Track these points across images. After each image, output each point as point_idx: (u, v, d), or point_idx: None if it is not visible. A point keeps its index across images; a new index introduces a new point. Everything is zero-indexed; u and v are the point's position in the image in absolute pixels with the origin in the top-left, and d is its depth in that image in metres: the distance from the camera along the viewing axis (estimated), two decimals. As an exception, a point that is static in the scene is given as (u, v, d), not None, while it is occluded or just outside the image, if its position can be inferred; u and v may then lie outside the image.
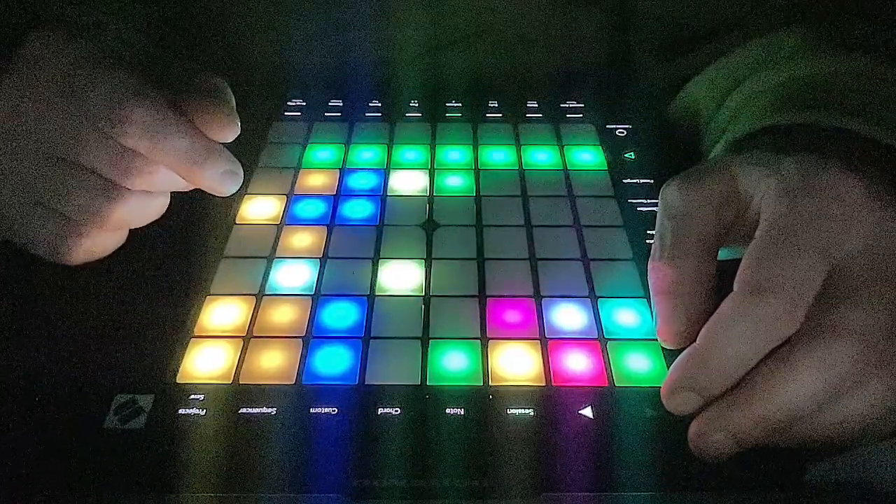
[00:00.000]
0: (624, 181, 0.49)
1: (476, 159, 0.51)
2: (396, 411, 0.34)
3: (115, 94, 0.38)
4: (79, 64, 0.38)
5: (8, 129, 0.39)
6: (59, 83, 0.38)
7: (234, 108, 0.41)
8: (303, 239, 0.44)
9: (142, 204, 0.40)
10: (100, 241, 0.41)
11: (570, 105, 0.56)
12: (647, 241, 0.43)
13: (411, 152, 0.52)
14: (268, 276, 0.42)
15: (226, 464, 0.32)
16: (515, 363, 0.37)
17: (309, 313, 0.39)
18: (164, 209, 0.42)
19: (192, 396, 0.35)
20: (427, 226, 0.45)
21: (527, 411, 0.34)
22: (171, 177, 0.40)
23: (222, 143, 0.41)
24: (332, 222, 0.46)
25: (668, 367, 0.36)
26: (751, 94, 0.48)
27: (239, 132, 0.41)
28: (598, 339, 0.38)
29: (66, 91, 0.38)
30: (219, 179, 0.41)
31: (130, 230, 0.42)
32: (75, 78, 0.38)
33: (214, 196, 0.42)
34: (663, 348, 0.37)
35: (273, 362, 0.37)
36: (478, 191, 0.48)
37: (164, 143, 0.38)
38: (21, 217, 0.39)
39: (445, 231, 0.45)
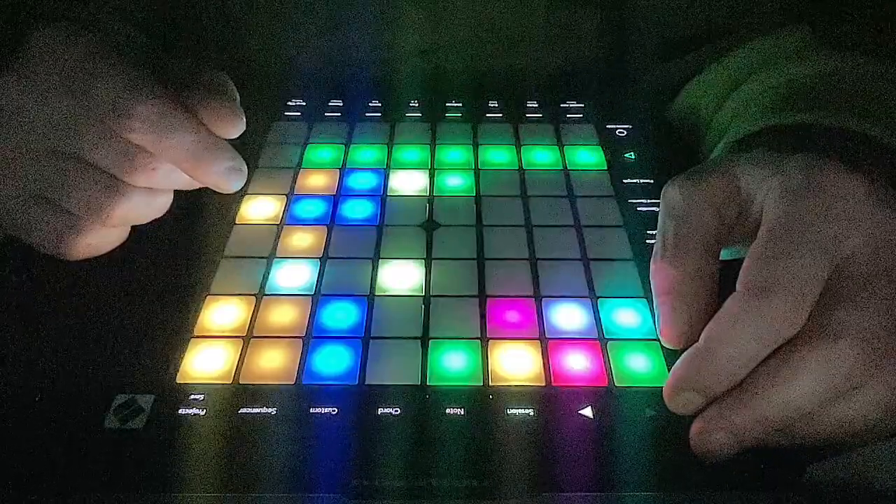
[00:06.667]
0: (624, 181, 0.49)
1: (476, 159, 0.51)
2: (396, 411, 0.34)
3: (120, 89, 0.38)
4: (83, 59, 0.38)
5: (11, 124, 0.38)
6: (63, 78, 0.38)
7: (239, 103, 0.41)
8: (303, 239, 0.44)
9: (145, 201, 0.40)
10: (101, 237, 0.41)
11: (570, 105, 0.56)
12: (647, 241, 0.43)
13: (411, 152, 0.52)
14: (268, 276, 0.42)
15: (226, 464, 0.32)
16: (515, 363, 0.37)
17: (309, 313, 0.39)
18: (167, 207, 0.42)
19: (192, 396, 0.35)
20: (427, 226, 0.45)
21: (527, 411, 0.34)
22: (175, 173, 0.40)
23: (227, 141, 0.41)
24: (332, 222, 0.45)
25: (668, 367, 0.36)
26: (751, 94, 0.48)
27: (244, 128, 0.41)
28: (598, 339, 0.38)
29: (69, 86, 0.38)
30: (223, 176, 0.41)
31: (131, 228, 0.42)
32: (79, 73, 0.38)
33: (215, 195, 0.42)
34: (663, 348, 0.37)
35: (273, 362, 0.37)
36: (478, 191, 0.48)
37: (169, 139, 0.38)
38: (23, 212, 0.39)
39: (445, 231, 0.45)
